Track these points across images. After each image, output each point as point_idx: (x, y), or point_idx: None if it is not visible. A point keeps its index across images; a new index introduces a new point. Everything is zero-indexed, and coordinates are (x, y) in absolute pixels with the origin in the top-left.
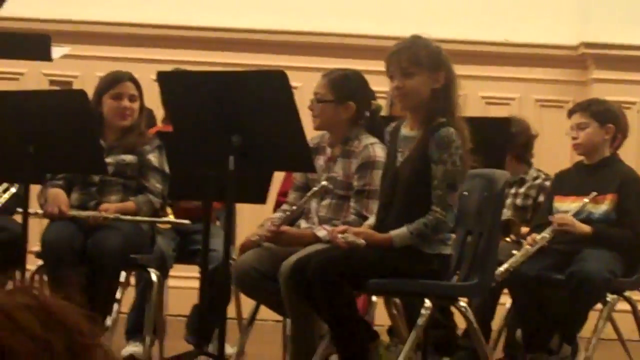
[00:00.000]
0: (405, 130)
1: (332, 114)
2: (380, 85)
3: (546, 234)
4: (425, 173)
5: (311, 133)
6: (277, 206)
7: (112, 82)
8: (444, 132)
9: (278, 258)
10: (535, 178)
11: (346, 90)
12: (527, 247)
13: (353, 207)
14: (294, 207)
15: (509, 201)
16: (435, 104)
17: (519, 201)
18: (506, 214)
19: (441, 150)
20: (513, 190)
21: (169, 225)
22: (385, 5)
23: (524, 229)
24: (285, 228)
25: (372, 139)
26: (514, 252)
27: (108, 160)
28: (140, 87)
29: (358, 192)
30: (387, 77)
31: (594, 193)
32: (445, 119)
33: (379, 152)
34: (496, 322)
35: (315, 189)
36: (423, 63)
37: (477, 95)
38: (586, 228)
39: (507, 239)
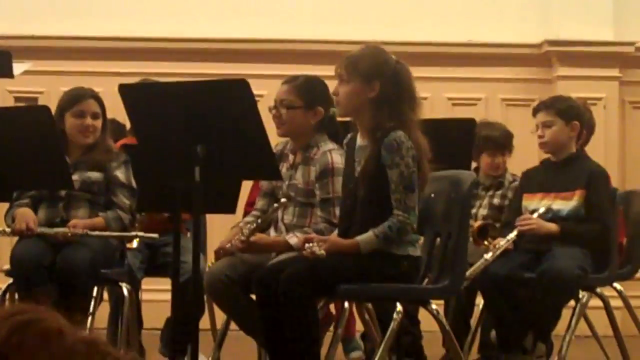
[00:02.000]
0: (359, 141)
1: (302, 119)
2: None
3: (509, 237)
4: (382, 179)
5: (274, 140)
6: (246, 216)
7: (74, 100)
8: (393, 136)
9: (250, 265)
10: (512, 182)
11: (314, 95)
12: (486, 256)
13: (321, 216)
14: (259, 221)
15: (485, 201)
16: (379, 113)
17: (496, 201)
18: (482, 212)
19: (392, 154)
20: (490, 192)
21: (136, 242)
22: (347, 9)
23: None
24: (255, 238)
25: (331, 145)
26: (485, 255)
27: (74, 177)
28: (103, 104)
29: (323, 200)
30: None
31: (542, 209)
32: (393, 123)
33: (337, 158)
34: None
35: (275, 205)
36: (359, 72)
37: (443, 97)
38: (553, 227)
39: (485, 243)
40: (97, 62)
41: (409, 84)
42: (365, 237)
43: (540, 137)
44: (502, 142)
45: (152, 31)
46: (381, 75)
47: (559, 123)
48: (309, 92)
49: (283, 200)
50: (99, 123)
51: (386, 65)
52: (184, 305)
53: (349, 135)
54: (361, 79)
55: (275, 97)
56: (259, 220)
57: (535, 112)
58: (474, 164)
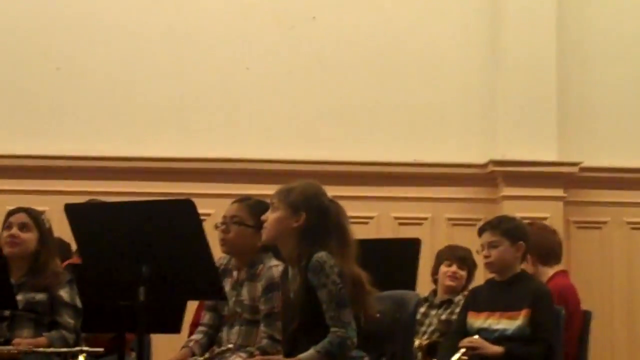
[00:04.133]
0: (290, 271)
1: (250, 239)
2: None
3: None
4: (315, 303)
5: (217, 254)
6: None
7: (6, 218)
8: (315, 258)
9: None
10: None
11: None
12: None
13: (264, 330)
14: (207, 355)
15: (434, 319)
16: (303, 242)
17: (444, 316)
18: (430, 329)
19: (318, 275)
20: (441, 310)
21: (82, 358)
22: (293, 129)
23: None
24: None
25: (275, 262)
26: None
27: (18, 297)
28: (38, 219)
29: (267, 315)
30: None
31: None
32: (315, 247)
33: None
34: None
35: (223, 348)
36: (288, 201)
37: (390, 216)
38: (497, 349)
39: None
40: (42, 181)
41: (339, 221)
42: (307, 355)
43: (486, 257)
44: (458, 254)
45: (97, 150)
46: (307, 207)
47: (504, 243)
48: (260, 213)
49: (230, 345)
50: (29, 236)
51: (315, 199)
52: None
53: (282, 267)
54: (288, 208)
55: (224, 214)
56: (207, 355)
57: (480, 232)
58: (432, 286)
